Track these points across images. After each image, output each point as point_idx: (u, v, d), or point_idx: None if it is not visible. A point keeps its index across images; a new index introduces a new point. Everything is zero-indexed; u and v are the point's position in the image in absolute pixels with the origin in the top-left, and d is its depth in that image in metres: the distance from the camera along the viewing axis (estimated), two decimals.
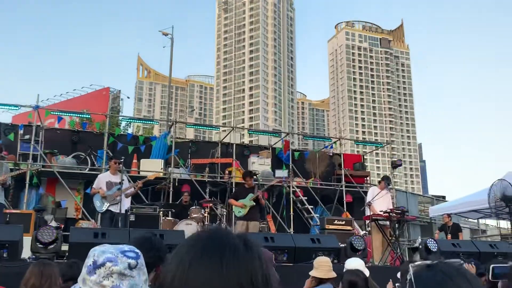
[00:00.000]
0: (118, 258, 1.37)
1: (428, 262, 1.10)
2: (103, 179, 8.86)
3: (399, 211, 8.83)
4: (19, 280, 3.43)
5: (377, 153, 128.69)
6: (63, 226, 10.73)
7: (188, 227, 9.23)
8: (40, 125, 13.05)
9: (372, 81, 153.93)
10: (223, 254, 0.87)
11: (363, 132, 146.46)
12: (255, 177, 10.96)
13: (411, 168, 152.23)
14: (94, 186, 8.90)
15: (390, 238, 8.78)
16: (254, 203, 9.19)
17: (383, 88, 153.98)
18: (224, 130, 17.24)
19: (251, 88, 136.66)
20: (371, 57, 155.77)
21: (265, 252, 3.30)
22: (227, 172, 14.14)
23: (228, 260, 0.86)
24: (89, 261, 1.39)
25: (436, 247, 6.89)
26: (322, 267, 4.13)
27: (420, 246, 6.98)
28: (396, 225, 8.79)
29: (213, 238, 0.92)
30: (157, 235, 5.76)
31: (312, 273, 4.18)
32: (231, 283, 0.84)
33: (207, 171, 14.08)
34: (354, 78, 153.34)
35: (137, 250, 1.46)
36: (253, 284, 0.86)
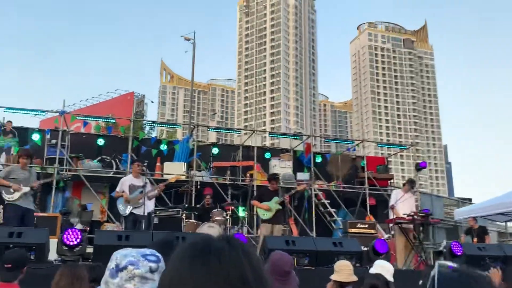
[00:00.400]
0: (140, 262, 1.41)
1: (452, 263, 1.10)
2: (126, 183, 8.93)
3: (423, 214, 8.70)
4: (46, 282, 3.52)
5: (401, 155, 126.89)
6: (88, 228, 10.93)
7: (211, 230, 9.30)
8: (66, 129, 13.35)
9: (396, 82, 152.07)
10: (208, 260, 0.89)
11: (387, 134, 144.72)
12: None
13: (436, 170, 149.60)
14: (117, 189, 8.99)
15: (414, 241, 8.66)
16: (281, 207, 9.13)
17: (407, 89, 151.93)
18: (246, 133, 17.31)
19: (272, 91, 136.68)
20: (394, 58, 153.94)
21: (284, 256, 3.32)
22: (248, 175, 14.19)
23: (215, 264, 0.89)
24: (111, 264, 1.43)
25: (461, 251, 6.77)
26: (343, 271, 4.10)
27: (445, 250, 6.86)
28: (420, 228, 8.66)
29: (196, 247, 0.94)
30: (179, 238, 5.83)
31: (333, 277, 4.16)
32: (222, 286, 0.86)
33: (229, 174, 14.16)
34: (377, 80, 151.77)
35: (158, 254, 1.50)
36: (243, 282, 0.87)
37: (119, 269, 1.39)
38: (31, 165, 11.97)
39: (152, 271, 1.41)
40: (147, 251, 1.47)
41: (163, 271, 0.96)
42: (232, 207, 11.09)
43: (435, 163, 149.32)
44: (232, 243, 0.94)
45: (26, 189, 7.81)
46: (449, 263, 1.09)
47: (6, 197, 7.70)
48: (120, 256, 1.42)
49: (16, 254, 4.08)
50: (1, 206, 10.08)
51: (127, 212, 8.70)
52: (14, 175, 7.83)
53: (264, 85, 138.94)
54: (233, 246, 0.93)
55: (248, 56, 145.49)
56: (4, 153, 12.41)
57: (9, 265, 3.83)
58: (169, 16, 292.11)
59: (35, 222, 8.39)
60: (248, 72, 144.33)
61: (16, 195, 7.71)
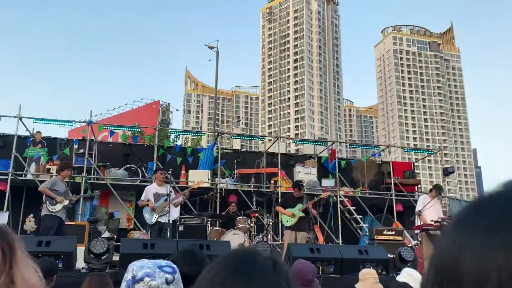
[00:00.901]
0: (156, 273, 1.42)
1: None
2: (150, 191, 9.06)
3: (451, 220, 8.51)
4: None
5: (429, 160, 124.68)
6: (116, 236, 11.08)
7: (235, 237, 9.30)
8: (94, 139, 13.61)
9: (422, 86, 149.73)
10: (252, 274, 0.90)
11: (414, 139, 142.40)
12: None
13: (465, 175, 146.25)
14: (142, 198, 9.12)
15: None
16: (304, 214, 9.10)
17: (433, 93, 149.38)
18: (270, 140, 17.30)
19: (296, 97, 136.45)
20: (420, 61, 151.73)
21: (307, 265, 3.30)
22: (272, 182, 14.17)
23: (258, 281, 0.89)
24: (128, 276, 1.44)
25: None
26: (368, 279, 4.05)
27: None
28: None
29: (243, 258, 0.94)
30: (203, 246, 5.84)
31: (358, 285, 4.11)
32: None
33: (253, 181, 14.16)
34: (403, 83, 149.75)
35: (174, 265, 1.51)
36: None
37: (135, 280, 1.40)
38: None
39: (168, 282, 1.42)
40: (163, 262, 1.48)
41: (199, 280, 0.97)
42: (257, 214, 11.08)
43: (464, 168, 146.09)
44: (277, 265, 0.93)
45: (66, 202, 8.11)
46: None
47: (50, 208, 7.94)
48: (136, 268, 1.43)
49: (46, 263, 4.16)
50: (31, 215, 10.35)
51: (154, 220, 8.80)
52: (56, 187, 8.13)
53: (288, 91, 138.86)
54: (277, 268, 0.92)
55: (271, 63, 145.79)
56: (33, 163, 12.73)
57: None
58: (193, 25, 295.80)
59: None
60: (272, 78, 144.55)
61: (59, 207, 7.97)
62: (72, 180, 11.97)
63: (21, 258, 1.11)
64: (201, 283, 0.93)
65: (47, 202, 7.98)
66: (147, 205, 8.87)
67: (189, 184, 12.96)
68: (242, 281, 0.89)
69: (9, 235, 1.14)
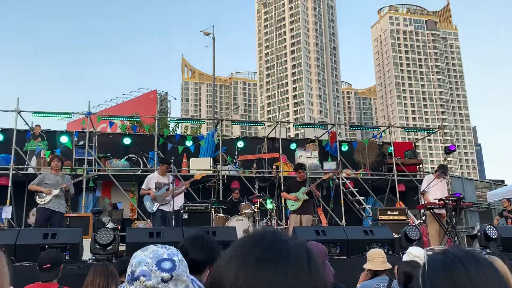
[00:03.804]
0: (152, 272, 1.39)
1: (447, 247, 1.06)
2: (152, 180, 9.08)
3: (455, 198, 8.52)
4: (81, 280, 3.59)
5: (429, 140, 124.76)
6: (120, 226, 11.11)
7: (239, 223, 9.32)
8: (93, 130, 13.56)
9: (420, 65, 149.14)
10: (287, 262, 0.85)
11: (414, 119, 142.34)
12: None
13: (466, 153, 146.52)
14: (143, 187, 9.15)
15: (446, 226, 8.49)
16: (307, 197, 9.12)
17: (432, 72, 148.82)
18: (270, 125, 17.25)
19: (294, 81, 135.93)
20: (417, 40, 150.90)
21: (318, 246, 3.28)
22: (274, 167, 14.16)
23: (293, 270, 0.85)
24: (128, 270, 1.44)
25: (496, 234, 6.58)
26: (376, 259, 4.04)
27: (479, 234, 6.68)
28: (453, 213, 8.49)
29: (277, 241, 0.89)
30: (209, 233, 5.84)
31: (366, 265, 4.11)
32: None
33: (255, 166, 14.15)
34: (401, 63, 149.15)
35: (175, 259, 1.46)
36: None
37: (133, 278, 1.40)
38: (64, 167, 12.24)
39: (164, 281, 1.40)
40: (165, 254, 1.45)
41: (229, 251, 0.91)
42: (260, 200, 11.09)
43: (464, 146, 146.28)
44: (310, 255, 0.90)
45: (56, 191, 8.10)
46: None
47: (39, 201, 8.06)
48: (135, 263, 1.42)
49: (52, 253, 4.17)
50: (34, 209, 10.40)
51: (154, 208, 8.88)
52: (46, 180, 8.15)
53: (286, 75, 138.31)
54: (312, 258, 0.89)
55: (268, 48, 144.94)
56: (34, 156, 12.70)
57: (48, 265, 3.90)
58: (187, 12, 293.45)
59: (67, 223, 8.59)
60: (269, 63, 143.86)
61: (47, 198, 8.01)
62: (74, 173, 11.96)
63: None
64: (230, 263, 0.88)
65: (37, 196, 8.08)
66: (148, 193, 8.89)
67: (191, 172, 12.96)
68: (276, 267, 0.84)
69: None
